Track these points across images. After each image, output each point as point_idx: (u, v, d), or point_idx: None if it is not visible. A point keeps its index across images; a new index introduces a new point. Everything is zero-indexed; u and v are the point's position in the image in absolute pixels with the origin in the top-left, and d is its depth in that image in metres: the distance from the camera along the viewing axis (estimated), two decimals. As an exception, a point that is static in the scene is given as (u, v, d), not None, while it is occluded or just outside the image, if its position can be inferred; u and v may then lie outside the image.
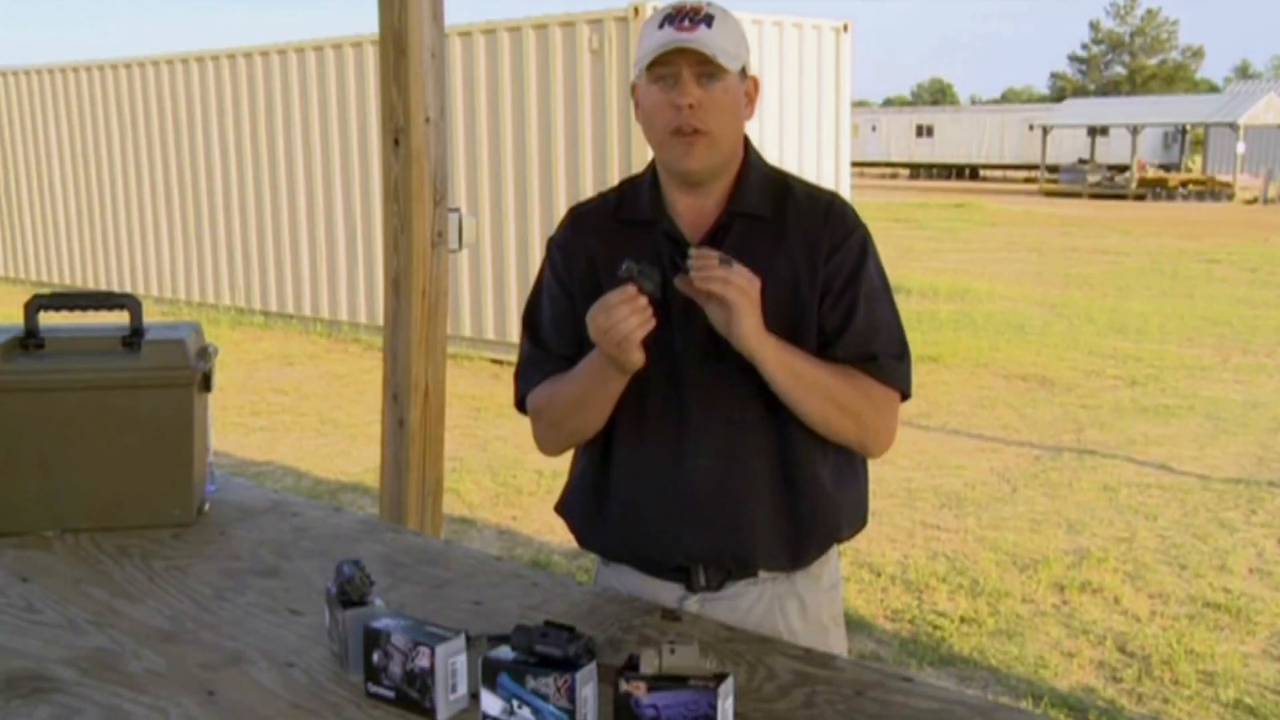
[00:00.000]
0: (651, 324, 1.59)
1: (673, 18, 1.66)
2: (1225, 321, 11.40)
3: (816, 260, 1.73)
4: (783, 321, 1.68)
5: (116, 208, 12.97)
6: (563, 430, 1.83)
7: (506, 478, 6.13)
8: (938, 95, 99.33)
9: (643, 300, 1.58)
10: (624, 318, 1.58)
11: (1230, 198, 32.79)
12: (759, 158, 1.81)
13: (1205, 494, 5.93)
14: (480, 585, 1.85)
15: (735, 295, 1.57)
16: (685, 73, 1.65)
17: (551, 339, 1.83)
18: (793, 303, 1.72)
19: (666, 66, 1.66)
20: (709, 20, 1.66)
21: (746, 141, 1.80)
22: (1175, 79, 69.08)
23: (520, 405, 1.89)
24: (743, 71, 1.71)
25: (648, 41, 1.68)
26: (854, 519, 1.86)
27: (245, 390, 8.33)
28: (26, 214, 14.19)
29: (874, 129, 48.01)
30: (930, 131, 47.36)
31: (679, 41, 1.64)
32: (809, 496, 1.78)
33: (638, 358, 1.62)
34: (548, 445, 1.87)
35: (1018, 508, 5.72)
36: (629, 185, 1.87)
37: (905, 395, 1.77)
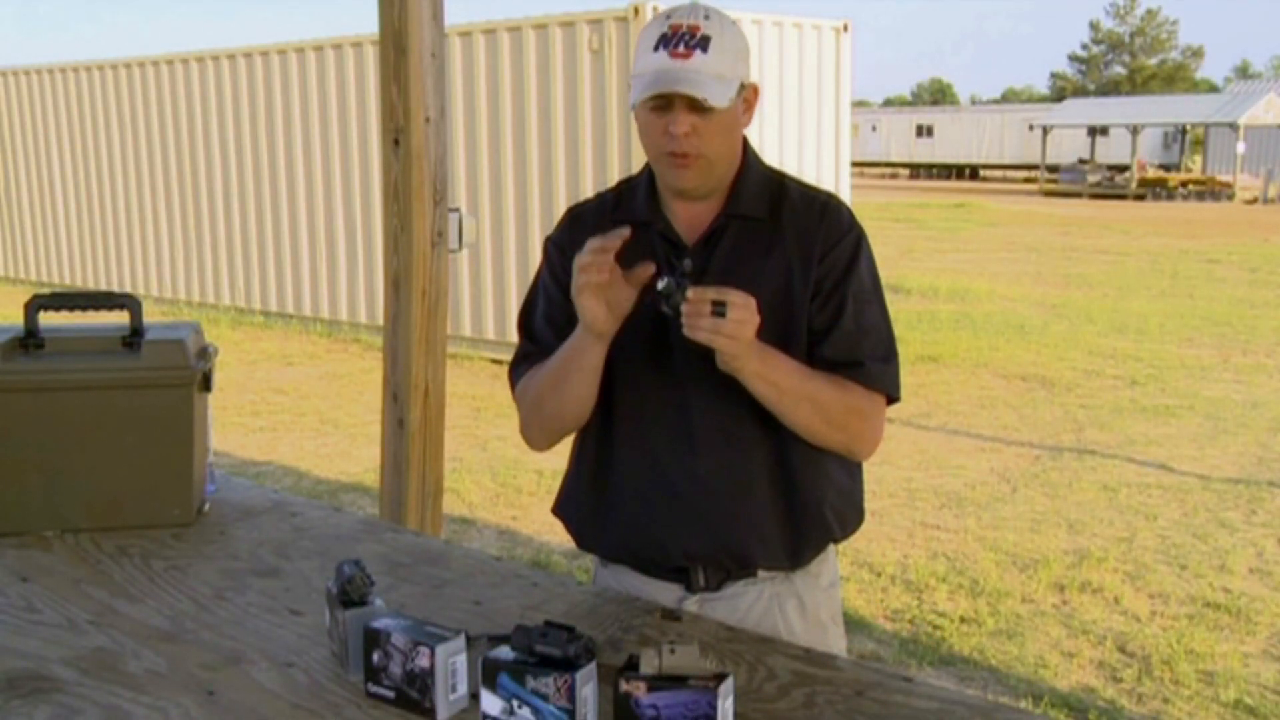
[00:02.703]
0: (600, 283, 1.61)
1: (668, 39, 1.62)
2: (1225, 321, 11.39)
3: (810, 261, 1.73)
4: (776, 323, 1.68)
5: (116, 208, 12.97)
6: (543, 411, 1.81)
7: (506, 478, 6.13)
8: (938, 95, 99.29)
9: (607, 258, 1.60)
10: (593, 261, 1.60)
11: (1230, 198, 32.79)
12: (757, 159, 1.81)
13: (1205, 494, 5.93)
14: (480, 585, 1.85)
15: (722, 343, 1.57)
16: (679, 102, 1.63)
17: (545, 335, 1.83)
18: (786, 304, 1.72)
19: (660, 98, 1.65)
20: (705, 43, 1.61)
21: (745, 144, 1.79)
22: (1175, 79, 69.02)
23: None
24: (741, 83, 1.69)
25: (642, 63, 1.65)
26: (851, 517, 1.87)
27: (245, 390, 8.33)
28: (26, 214, 14.19)
29: (874, 129, 48.01)
30: (930, 131, 47.35)
31: (672, 84, 1.61)
32: (807, 495, 1.78)
33: (586, 300, 1.62)
34: (529, 430, 1.86)
35: (1018, 508, 5.72)
36: (626, 186, 1.87)
37: (893, 398, 1.77)
